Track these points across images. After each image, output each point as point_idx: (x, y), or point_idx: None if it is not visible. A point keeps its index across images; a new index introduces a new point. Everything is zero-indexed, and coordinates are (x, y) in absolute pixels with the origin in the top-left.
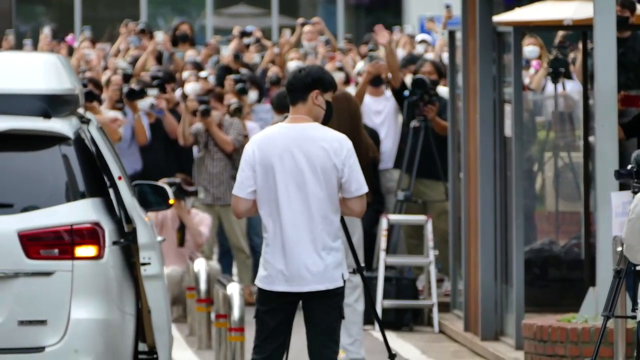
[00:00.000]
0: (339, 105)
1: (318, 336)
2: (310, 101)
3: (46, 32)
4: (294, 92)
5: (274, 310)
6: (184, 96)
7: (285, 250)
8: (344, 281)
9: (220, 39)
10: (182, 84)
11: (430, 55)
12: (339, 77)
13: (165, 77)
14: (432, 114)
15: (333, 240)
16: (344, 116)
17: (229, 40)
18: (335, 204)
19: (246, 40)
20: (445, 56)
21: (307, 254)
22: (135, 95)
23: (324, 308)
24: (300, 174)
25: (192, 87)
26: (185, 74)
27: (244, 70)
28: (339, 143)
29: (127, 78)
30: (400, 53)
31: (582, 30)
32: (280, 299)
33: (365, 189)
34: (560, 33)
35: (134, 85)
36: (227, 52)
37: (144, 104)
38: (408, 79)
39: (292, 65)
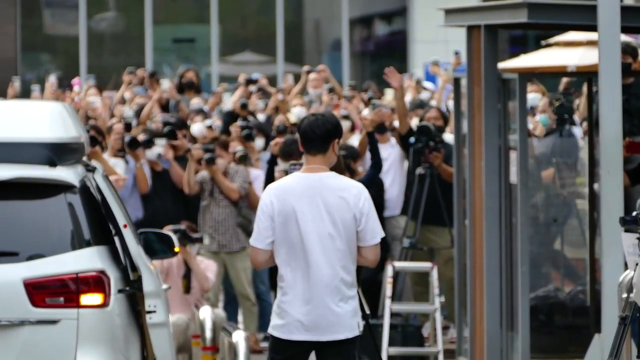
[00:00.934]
0: None
1: None
2: (330, 150)
3: (52, 80)
4: (315, 141)
5: (288, 359)
6: (193, 139)
7: (305, 299)
8: (360, 330)
9: (226, 86)
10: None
11: (434, 102)
12: (345, 125)
13: (177, 123)
14: (438, 160)
15: (350, 289)
16: None
17: (236, 88)
18: (353, 253)
19: (252, 87)
20: (450, 103)
21: (326, 303)
22: (138, 144)
23: (339, 357)
24: (320, 224)
25: (198, 128)
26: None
27: (250, 118)
28: (357, 191)
29: (128, 127)
30: (408, 98)
31: (586, 77)
32: (296, 348)
33: (379, 237)
34: (565, 80)
35: (141, 133)
36: (233, 98)
37: (151, 153)
38: (415, 123)
39: (296, 111)
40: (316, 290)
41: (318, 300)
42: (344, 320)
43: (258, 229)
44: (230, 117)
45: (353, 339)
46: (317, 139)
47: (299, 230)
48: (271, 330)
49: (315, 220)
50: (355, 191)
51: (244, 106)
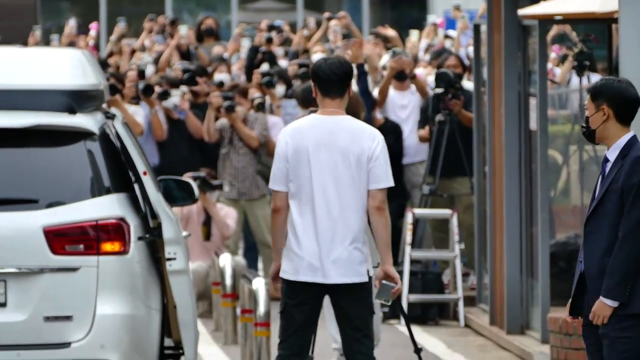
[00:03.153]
0: None
1: (350, 332)
2: (347, 93)
3: (71, 23)
4: (335, 84)
5: (301, 304)
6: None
7: (315, 241)
8: (370, 277)
9: (245, 27)
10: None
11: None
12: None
13: (196, 70)
14: (458, 107)
15: (361, 234)
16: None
17: (255, 29)
18: (365, 198)
19: (273, 33)
20: (470, 50)
21: (335, 246)
22: (152, 91)
23: (351, 303)
24: (334, 166)
25: (222, 78)
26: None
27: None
28: (372, 135)
29: (142, 74)
30: (424, 43)
31: (607, 23)
32: (307, 291)
33: (387, 184)
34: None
35: (159, 80)
36: (256, 39)
37: (167, 103)
38: (430, 77)
39: (317, 57)
40: (326, 233)
41: (327, 243)
42: (352, 265)
43: (274, 171)
44: (254, 52)
45: (362, 284)
46: (337, 81)
47: (312, 172)
48: (282, 274)
49: (329, 162)
50: (369, 134)
51: (269, 40)
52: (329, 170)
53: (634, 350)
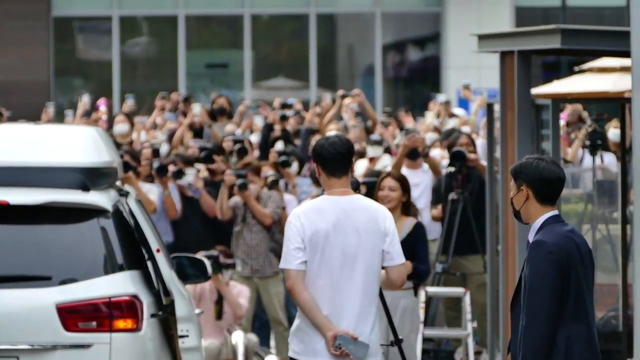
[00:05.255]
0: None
1: None
2: (349, 172)
3: (85, 100)
4: (341, 162)
5: None
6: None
7: (334, 322)
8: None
9: (249, 104)
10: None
11: (465, 129)
12: (377, 151)
13: (213, 148)
14: (475, 159)
15: (375, 309)
16: None
17: (258, 107)
18: (380, 274)
19: (287, 112)
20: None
21: (354, 326)
22: (166, 171)
23: None
24: (351, 245)
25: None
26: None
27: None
28: (383, 213)
29: (156, 152)
30: (436, 122)
31: (620, 103)
32: None
33: (403, 259)
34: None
35: (173, 159)
36: (270, 117)
37: (181, 181)
38: (443, 156)
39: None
40: (344, 312)
41: (346, 323)
42: (373, 346)
43: (287, 250)
44: (268, 130)
45: None
46: (343, 160)
47: (332, 253)
48: (294, 355)
49: (346, 241)
50: (382, 214)
51: (283, 117)
52: (346, 249)
53: None
